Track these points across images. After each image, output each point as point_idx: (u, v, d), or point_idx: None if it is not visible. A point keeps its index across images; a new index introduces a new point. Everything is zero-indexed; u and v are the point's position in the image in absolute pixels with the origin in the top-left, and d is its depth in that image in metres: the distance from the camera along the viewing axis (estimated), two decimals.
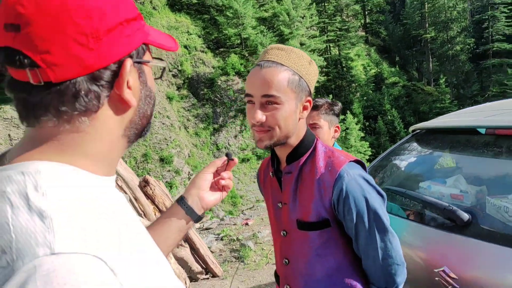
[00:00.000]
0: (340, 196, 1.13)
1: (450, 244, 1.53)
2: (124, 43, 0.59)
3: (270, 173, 1.33)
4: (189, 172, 21.91)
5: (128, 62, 0.59)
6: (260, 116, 1.13)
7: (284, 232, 1.26)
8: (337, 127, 2.15)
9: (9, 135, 19.31)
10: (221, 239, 5.75)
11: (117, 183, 3.65)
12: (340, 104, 2.18)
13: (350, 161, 1.17)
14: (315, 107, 2.08)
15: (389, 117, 29.50)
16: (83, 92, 0.56)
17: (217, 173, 1.02)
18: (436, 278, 1.50)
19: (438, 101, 32.11)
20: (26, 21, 0.51)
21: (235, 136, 25.97)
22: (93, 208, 0.54)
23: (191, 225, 0.97)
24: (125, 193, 3.54)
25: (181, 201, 0.97)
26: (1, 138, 19.18)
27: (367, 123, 29.21)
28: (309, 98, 1.20)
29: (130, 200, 3.52)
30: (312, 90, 1.22)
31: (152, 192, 3.94)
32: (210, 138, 25.29)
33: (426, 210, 1.72)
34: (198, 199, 0.97)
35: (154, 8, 26.71)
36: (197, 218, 0.97)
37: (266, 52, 1.20)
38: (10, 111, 19.22)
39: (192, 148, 24.05)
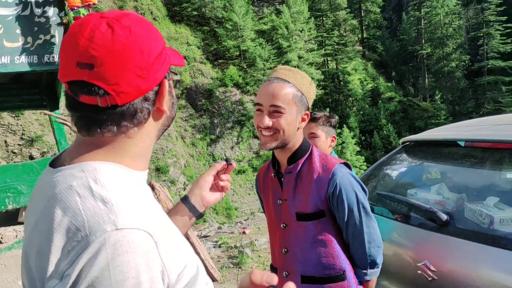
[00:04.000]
0: (334, 190, 1.38)
1: (431, 241, 1.74)
2: (162, 68, 0.77)
3: (272, 174, 1.56)
4: (184, 182, 21.96)
5: (167, 82, 0.79)
6: (267, 121, 1.38)
7: (284, 225, 1.49)
8: (334, 137, 2.37)
9: (5, 141, 19.38)
10: (219, 246, 5.90)
11: None
12: (336, 117, 2.41)
13: (340, 163, 1.44)
14: (314, 119, 2.30)
15: (385, 132, 29.80)
16: (139, 110, 0.74)
17: (217, 176, 1.16)
18: (418, 271, 1.71)
19: (434, 117, 32.49)
20: (99, 62, 0.68)
21: (232, 148, 26.10)
22: (138, 195, 0.72)
23: (193, 221, 1.11)
24: None
25: (185, 199, 1.11)
26: None
27: (363, 138, 29.47)
28: (307, 112, 1.46)
29: None
30: (310, 106, 1.48)
31: (157, 197, 4.12)
32: (207, 149, 25.39)
33: (411, 212, 1.93)
34: (199, 198, 1.11)
35: (154, 19, 27.06)
36: (199, 215, 1.11)
37: (275, 70, 1.48)
38: (7, 117, 19.30)
39: (188, 158, 24.13)
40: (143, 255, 0.63)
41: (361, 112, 31.33)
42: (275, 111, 1.38)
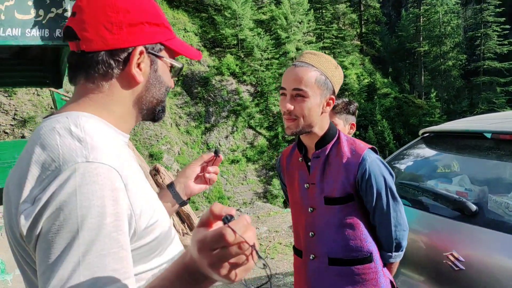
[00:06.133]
0: (363, 174, 1.39)
1: (459, 232, 1.73)
2: (141, 36, 0.83)
3: (299, 159, 1.55)
4: (178, 170, 21.88)
5: (139, 49, 0.83)
6: (289, 106, 1.38)
7: (311, 209, 1.48)
8: (353, 124, 2.32)
9: None
10: None
11: None
12: (356, 103, 2.34)
13: (369, 148, 1.45)
14: (333, 108, 2.23)
15: (379, 127, 29.94)
16: (102, 61, 0.81)
17: (205, 167, 1.17)
18: (444, 261, 1.70)
19: (428, 115, 32.70)
20: (80, 10, 0.81)
21: (226, 137, 26.04)
22: (112, 141, 0.79)
23: (176, 208, 1.15)
24: None
25: (170, 186, 1.16)
26: None
27: (357, 132, 29.58)
28: (332, 96, 1.44)
29: None
30: (337, 90, 1.47)
31: (162, 181, 4.08)
32: (201, 137, 25.30)
33: (437, 201, 1.91)
34: (184, 186, 1.14)
35: None
36: (182, 202, 1.15)
37: (301, 55, 1.47)
38: (0, 96, 19.01)
39: (182, 146, 24.04)
40: (110, 189, 0.69)
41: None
42: (298, 95, 1.38)
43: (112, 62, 0.81)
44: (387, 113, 32.30)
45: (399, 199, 1.44)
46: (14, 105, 19.92)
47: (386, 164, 1.44)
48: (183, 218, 4.42)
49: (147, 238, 0.78)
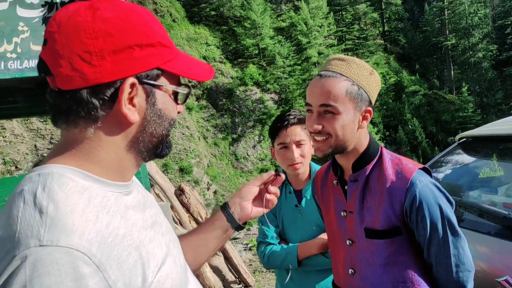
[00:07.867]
0: (413, 203, 1.14)
1: None
2: (130, 65, 0.65)
3: (334, 182, 1.33)
4: (208, 182, 21.98)
5: (129, 81, 0.66)
6: (316, 125, 1.18)
7: (350, 242, 1.26)
8: None
9: (35, 145, 19.84)
10: (250, 249, 5.76)
11: (154, 191, 3.75)
12: None
13: (419, 169, 1.19)
14: (300, 121, 1.78)
15: (410, 126, 28.98)
16: (83, 101, 0.64)
17: (264, 188, 1.06)
18: None
19: (461, 109, 31.38)
20: (51, 38, 0.64)
21: (254, 146, 25.99)
22: (87, 208, 0.61)
23: (231, 232, 1.01)
24: (162, 201, 3.65)
25: (224, 207, 1.02)
26: (27, 148, 19.71)
27: (387, 133, 28.78)
28: (369, 108, 1.21)
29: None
30: (374, 100, 1.23)
31: (187, 201, 4.02)
32: (229, 148, 25.36)
33: (483, 218, 1.71)
34: (240, 208, 1.01)
35: (173, 20, 27.24)
36: (237, 227, 1.01)
37: (328, 62, 1.23)
38: (36, 122, 19.77)
39: (211, 158, 24.15)
40: (73, 279, 0.54)
41: (384, 107, 30.60)
42: (327, 111, 1.17)
43: (95, 101, 0.64)
44: (417, 111, 31.26)
45: (460, 232, 1.18)
46: (50, 130, 20.66)
47: (443, 189, 1.20)
48: None
49: None
